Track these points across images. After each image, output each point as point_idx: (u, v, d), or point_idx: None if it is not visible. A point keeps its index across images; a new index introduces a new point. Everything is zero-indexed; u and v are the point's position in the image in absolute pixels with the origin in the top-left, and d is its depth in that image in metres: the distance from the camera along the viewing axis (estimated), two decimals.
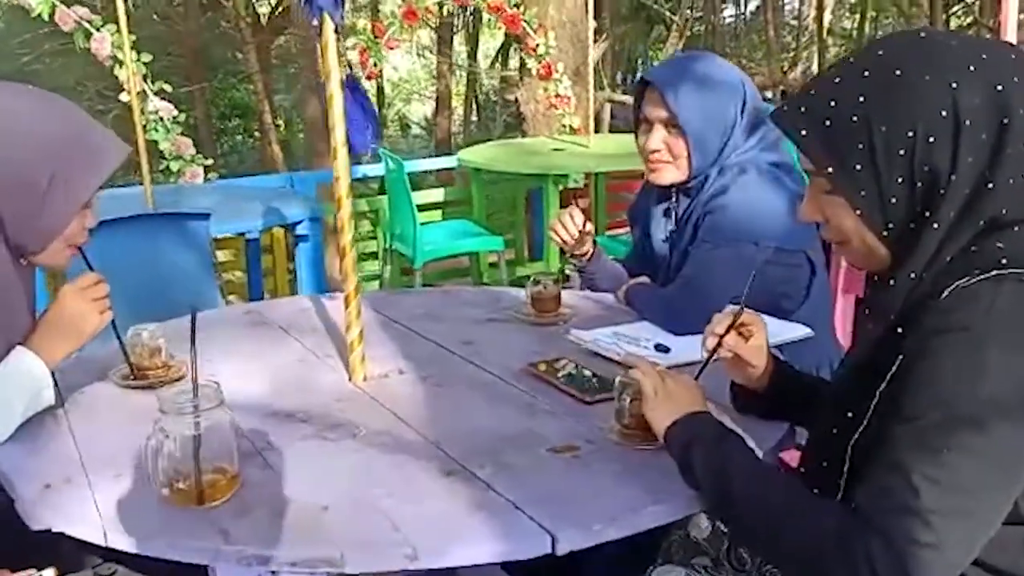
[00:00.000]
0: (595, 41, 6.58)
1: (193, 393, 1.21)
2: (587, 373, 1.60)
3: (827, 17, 19.57)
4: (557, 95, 5.00)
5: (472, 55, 19.42)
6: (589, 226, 2.09)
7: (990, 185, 1.00)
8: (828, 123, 1.05)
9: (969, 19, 17.71)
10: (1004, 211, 1.01)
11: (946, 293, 0.99)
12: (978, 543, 0.95)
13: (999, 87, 1.00)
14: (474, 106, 20.80)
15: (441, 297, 2.27)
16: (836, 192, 1.08)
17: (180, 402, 1.20)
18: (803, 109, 1.08)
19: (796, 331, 1.76)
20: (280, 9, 17.08)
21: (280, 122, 16.78)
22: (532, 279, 1.98)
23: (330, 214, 4.40)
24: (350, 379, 1.64)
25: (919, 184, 1.02)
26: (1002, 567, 1.02)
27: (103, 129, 1.52)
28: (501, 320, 1.96)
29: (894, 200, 1.04)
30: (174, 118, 4.05)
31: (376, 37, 4.31)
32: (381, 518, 1.16)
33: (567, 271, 2.26)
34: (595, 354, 1.72)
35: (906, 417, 0.97)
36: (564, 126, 5.19)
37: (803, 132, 1.07)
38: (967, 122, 0.99)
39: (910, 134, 1.01)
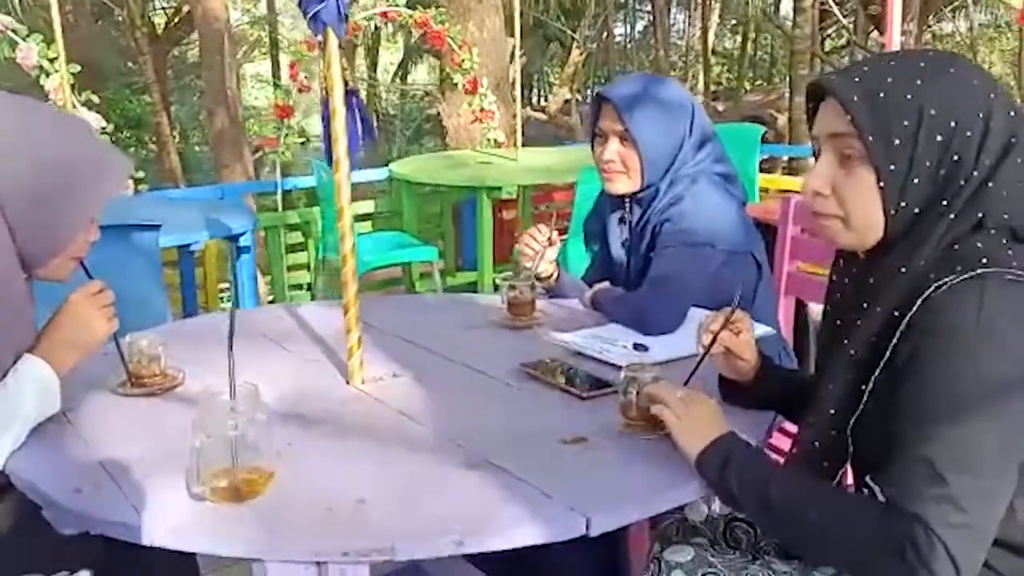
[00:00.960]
0: (511, 59, 6.73)
1: (231, 394, 1.25)
2: (578, 370, 1.69)
3: (711, 38, 20.35)
4: (482, 109, 5.09)
5: (372, 69, 19.40)
6: (556, 237, 2.17)
7: (989, 184, 1.13)
8: (882, 95, 1.13)
9: (843, 40, 18.70)
10: (983, 214, 1.13)
11: (936, 289, 1.09)
12: (1000, 516, 1.06)
13: (1012, 113, 1.15)
14: (374, 120, 20.78)
15: (413, 304, 2.33)
16: (865, 162, 1.15)
17: (219, 403, 1.23)
18: (858, 79, 1.16)
19: (759, 330, 1.90)
20: (177, 20, 16.77)
21: (175, 134, 16.40)
22: (508, 285, 2.06)
23: (262, 225, 4.40)
24: (348, 382, 1.68)
25: (943, 172, 1.13)
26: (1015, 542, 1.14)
27: (108, 143, 1.55)
28: (478, 325, 2.04)
29: (917, 180, 1.13)
30: (102, 128, 3.98)
31: (309, 50, 4.32)
32: (421, 508, 1.22)
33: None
34: (577, 354, 1.81)
35: (918, 415, 1.07)
36: (489, 140, 5.29)
37: (855, 98, 1.14)
38: (995, 126, 1.12)
39: (952, 123, 1.12)
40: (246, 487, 1.23)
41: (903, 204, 1.14)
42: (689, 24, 21.38)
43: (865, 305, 1.20)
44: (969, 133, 1.12)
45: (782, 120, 16.39)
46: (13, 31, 3.79)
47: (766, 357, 1.53)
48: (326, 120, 1.59)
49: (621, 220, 2.18)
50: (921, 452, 1.05)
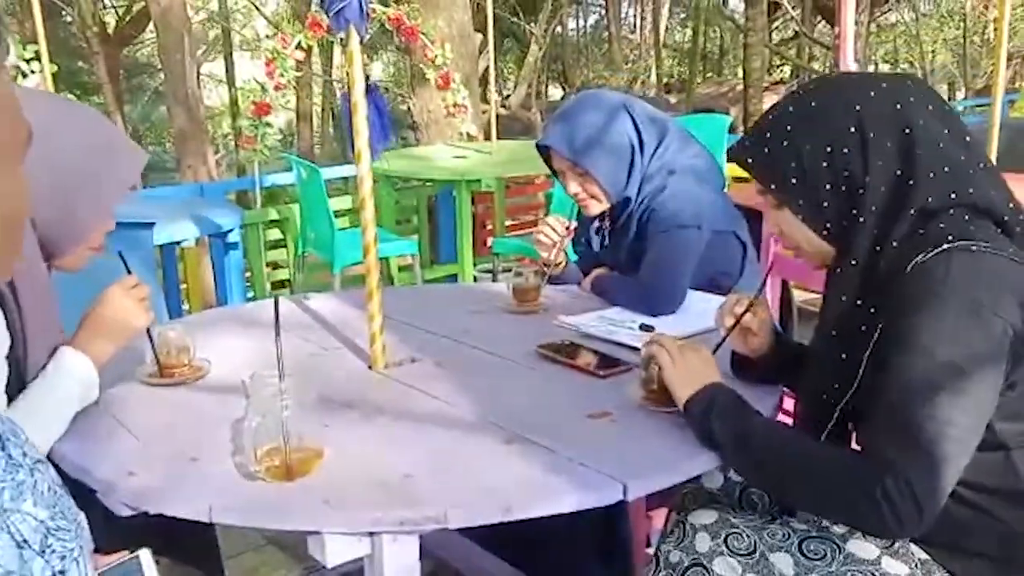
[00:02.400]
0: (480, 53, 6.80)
1: (279, 377, 1.31)
2: (592, 351, 1.77)
3: (662, 31, 20.57)
4: (455, 104, 5.15)
5: (328, 65, 19.28)
6: (573, 227, 2.24)
7: (911, 182, 1.26)
8: (767, 150, 1.35)
9: (791, 32, 19.02)
10: (929, 199, 1.26)
11: (909, 268, 1.23)
12: (963, 465, 1.17)
13: (898, 105, 1.29)
14: (330, 117, 20.66)
15: (416, 294, 2.38)
16: (782, 205, 1.37)
17: (269, 387, 1.29)
18: (747, 143, 1.39)
19: None
20: (128, 19, 16.55)
21: (128, 134, 16.20)
22: (514, 271, 2.13)
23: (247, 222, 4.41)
24: (371, 367, 1.74)
25: (843, 188, 1.30)
26: (990, 486, 1.27)
27: (125, 135, 1.58)
28: (485, 311, 2.10)
29: (826, 204, 1.32)
30: None
31: (283, 48, 4.34)
32: (465, 480, 1.29)
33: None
34: (586, 335, 1.89)
35: (895, 371, 1.20)
36: (462, 134, 5.35)
37: (750, 160, 1.37)
38: (871, 134, 1.27)
39: (828, 149, 1.30)
40: (297, 465, 1.28)
41: (828, 225, 1.33)
42: (641, 18, 21.61)
43: (844, 298, 1.34)
44: (846, 150, 1.29)
45: (735, 111, 16.68)
46: None
47: (779, 333, 1.62)
48: (347, 114, 1.64)
49: (598, 231, 2.29)
50: (893, 401, 1.18)
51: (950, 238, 1.22)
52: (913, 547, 1.33)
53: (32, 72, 3.84)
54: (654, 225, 2.12)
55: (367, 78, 1.64)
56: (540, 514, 1.23)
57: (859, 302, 1.31)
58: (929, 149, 1.27)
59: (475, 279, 4.61)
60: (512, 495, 1.24)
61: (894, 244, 1.27)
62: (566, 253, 2.28)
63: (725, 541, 1.37)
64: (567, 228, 2.21)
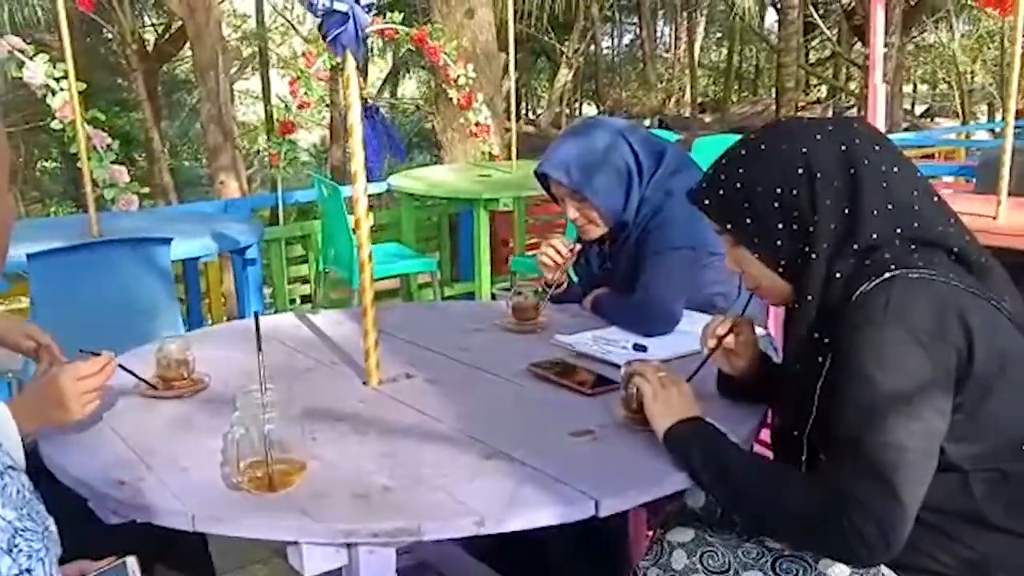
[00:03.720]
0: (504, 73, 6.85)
1: (261, 391, 1.35)
2: (583, 370, 1.79)
3: (697, 50, 20.58)
4: (477, 124, 5.20)
5: (363, 84, 19.51)
6: (577, 246, 2.28)
7: (857, 219, 1.31)
8: (722, 192, 1.40)
9: (828, 52, 18.94)
10: (874, 235, 1.30)
11: (853, 297, 1.26)
12: (922, 490, 1.19)
13: (844, 147, 1.34)
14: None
15: (421, 311, 2.42)
16: (738, 244, 1.41)
17: (254, 400, 1.33)
18: (704, 186, 1.45)
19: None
20: (167, 36, 16.87)
21: (166, 150, 16.48)
22: (513, 291, 2.17)
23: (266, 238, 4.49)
24: (365, 383, 1.78)
25: (794, 226, 1.34)
26: (947, 508, 1.27)
27: None
28: (485, 329, 2.14)
29: (779, 242, 1.36)
30: (108, 146, 4.07)
31: (307, 67, 4.42)
32: (442, 494, 1.32)
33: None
34: (580, 354, 1.91)
35: (844, 400, 1.24)
36: (484, 153, 5.41)
37: (707, 202, 1.44)
38: (819, 175, 1.32)
39: (778, 190, 1.34)
40: (280, 477, 1.32)
41: (782, 262, 1.38)
42: (675, 37, 21.63)
43: (795, 335, 1.39)
44: (795, 191, 1.33)
45: None
46: (20, 51, 3.88)
47: (765, 355, 1.63)
48: (366, 134, 1.69)
49: (599, 255, 2.33)
50: (846, 433, 1.22)
51: (892, 267, 1.26)
52: (885, 569, 1.33)
53: (61, 90, 3.95)
54: (648, 247, 2.14)
55: (366, 101, 1.69)
56: (513, 528, 1.26)
57: (815, 335, 1.34)
58: (873, 187, 1.31)
59: (493, 297, 4.65)
60: (486, 509, 1.27)
61: (837, 276, 1.31)
62: (568, 274, 2.30)
63: (700, 559, 1.39)
64: (570, 250, 2.24)
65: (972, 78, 18.77)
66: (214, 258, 3.68)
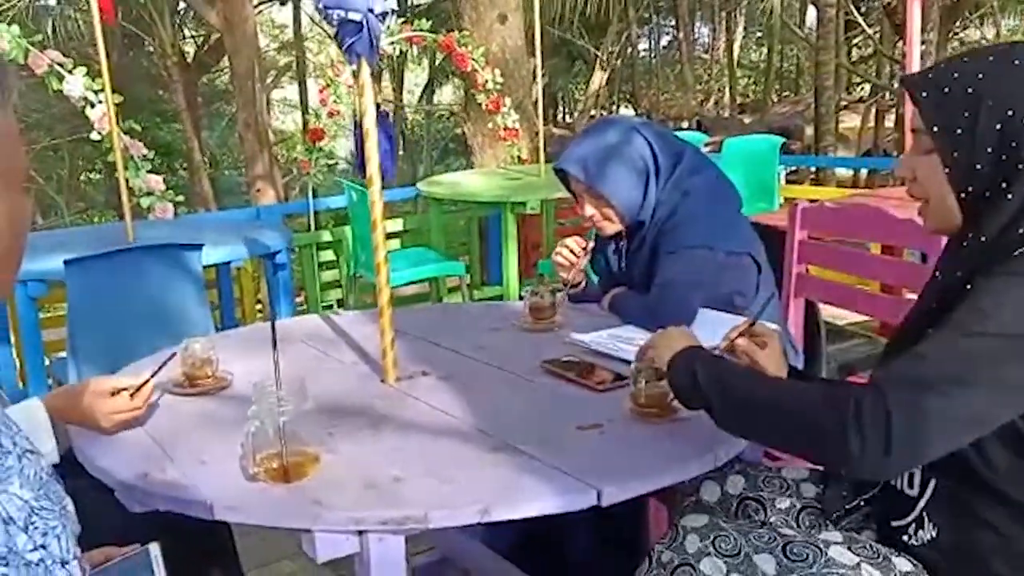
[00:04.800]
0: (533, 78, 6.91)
1: (276, 386, 1.40)
2: (595, 367, 1.83)
3: (736, 50, 20.45)
4: (506, 128, 5.26)
5: (398, 91, 19.68)
6: (591, 244, 2.32)
7: None
8: (947, 90, 1.25)
9: (870, 49, 18.72)
10: None
11: (1017, 253, 1.19)
12: (949, 447, 1.16)
13: None
14: (400, 140, 21.09)
15: (441, 312, 2.47)
16: (933, 151, 1.27)
17: (270, 395, 1.39)
18: (929, 76, 1.29)
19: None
20: (207, 48, 17.18)
21: (206, 160, 16.77)
22: (531, 291, 2.21)
23: (298, 243, 4.58)
24: (383, 380, 1.83)
25: (1004, 156, 1.22)
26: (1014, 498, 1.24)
27: None
28: (502, 328, 2.18)
29: (979, 167, 1.23)
30: (143, 156, 4.19)
31: (336, 76, 4.51)
32: (450, 484, 1.36)
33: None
34: (595, 352, 1.95)
35: (943, 328, 1.18)
36: (513, 157, 5.46)
37: (924, 94, 1.27)
38: None
39: (1010, 112, 1.21)
40: (294, 469, 1.38)
41: (970, 188, 1.25)
42: (714, 38, 21.52)
43: (938, 275, 1.35)
44: None
45: (809, 130, 16.48)
46: (60, 64, 4.01)
47: (792, 368, 1.61)
48: (359, 141, 1.75)
49: (615, 251, 2.36)
50: (924, 350, 1.17)
51: None
52: (897, 559, 1.35)
53: (100, 102, 4.07)
54: (664, 247, 2.17)
55: (378, 107, 1.74)
56: (516, 516, 1.30)
57: (968, 285, 1.23)
58: None
59: (521, 299, 4.69)
60: (491, 498, 1.31)
61: (1021, 232, 1.21)
62: (586, 272, 2.34)
63: (713, 542, 1.40)
64: (584, 248, 2.27)
65: None
66: (244, 263, 3.76)
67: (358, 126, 1.75)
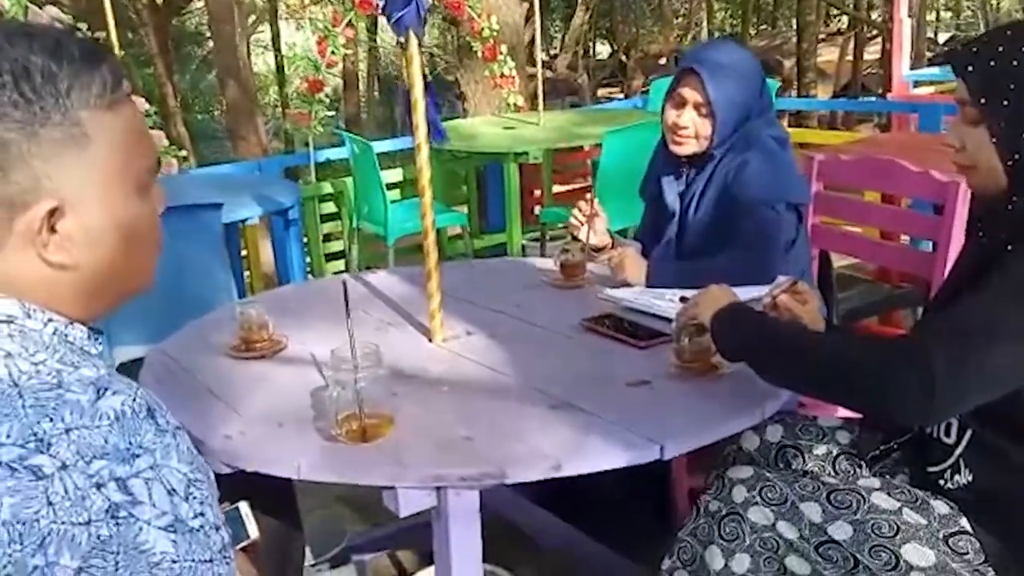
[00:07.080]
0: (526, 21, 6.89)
1: (352, 353, 1.48)
2: (633, 323, 1.92)
3: None
4: (502, 75, 5.27)
5: (372, 30, 19.36)
6: (598, 207, 2.35)
7: None
8: (993, 63, 1.32)
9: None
10: None
11: None
12: (1008, 384, 1.26)
13: None
14: (375, 82, 20.81)
15: (469, 269, 2.55)
16: (979, 123, 1.35)
17: (347, 360, 1.47)
18: (975, 50, 1.35)
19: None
20: None
21: (177, 103, 16.51)
22: (561, 248, 2.28)
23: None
24: (430, 340, 1.91)
25: None
26: None
27: None
28: (535, 286, 2.26)
29: None
30: (145, 111, 4.17)
31: (334, 26, 4.50)
32: (519, 441, 1.46)
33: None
34: (628, 308, 2.03)
35: (979, 289, 1.26)
36: (509, 105, 5.48)
37: (969, 68, 1.34)
38: None
39: None
40: (371, 429, 1.46)
41: (1017, 156, 1.32)
42: None
43: (980, 235, 1.43)
44: None
45: (788, 64, 16.46)
46: (60, 22, 3.97)
47: (828, 321, 1.69)
48: (406, 109, 1.80)
49: (677, 177, 2.30)
50: (967, 305, 1.27)
51: None
52: (935, 502, 1.44)
53: None
54: (745, 201, 2.14)
55: (425, 77, 1.79)
56: (586, 471, 1.40)
57: (1009, 247, 1.31)
58: None
59: (523, 248, 4.77)
60: (560, 454, 1.40)
61: None
62: (611, 235, 2.36)
63: (760, 492, 1.49)
64: (592, 208, 2.29)
65: (998, 4, 18.40)
66: (255, 220, 3.77)
67: (406, 95, 1.80)
